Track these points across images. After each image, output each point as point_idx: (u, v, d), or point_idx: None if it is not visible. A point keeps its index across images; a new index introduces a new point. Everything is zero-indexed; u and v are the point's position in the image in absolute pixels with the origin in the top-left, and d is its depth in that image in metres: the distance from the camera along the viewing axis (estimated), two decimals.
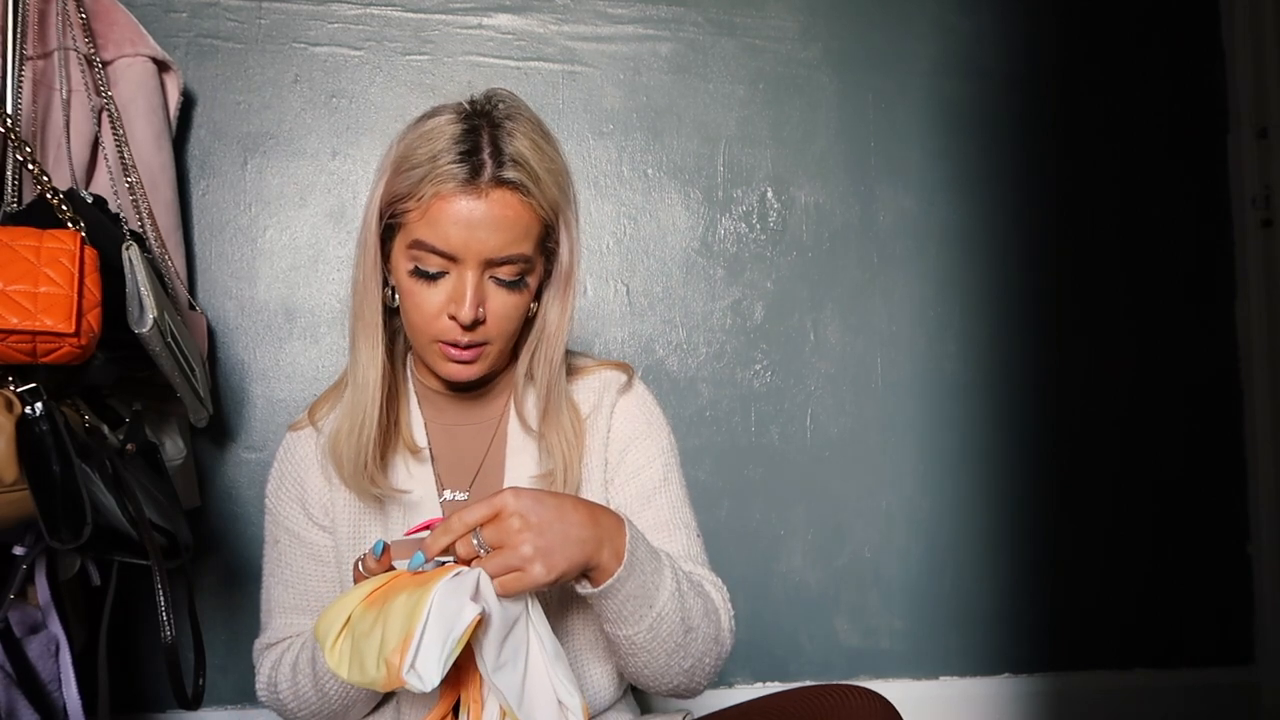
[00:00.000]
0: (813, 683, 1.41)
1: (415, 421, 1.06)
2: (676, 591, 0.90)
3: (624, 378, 1.11)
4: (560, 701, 0.78)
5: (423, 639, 0.74)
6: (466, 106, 0.97)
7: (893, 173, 1.99)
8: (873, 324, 1.97)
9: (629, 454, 1.07)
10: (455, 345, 0.97)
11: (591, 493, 1.06)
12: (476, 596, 0.77)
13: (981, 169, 2.02)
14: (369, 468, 1.01)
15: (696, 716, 1.08)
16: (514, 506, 0.81)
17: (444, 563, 0.83)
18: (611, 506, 1.04)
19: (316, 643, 0.93)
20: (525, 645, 0.80)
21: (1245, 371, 2.07)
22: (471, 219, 0.92)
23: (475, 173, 0.92)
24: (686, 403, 1.90)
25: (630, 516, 1.02)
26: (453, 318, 0.96)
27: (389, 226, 0.98)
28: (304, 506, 1.07)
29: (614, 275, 1.90)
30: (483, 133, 0.94)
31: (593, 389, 1.09)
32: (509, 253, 0.94)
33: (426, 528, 0.86)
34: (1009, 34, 2.04)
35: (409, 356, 1.10)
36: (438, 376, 1.06)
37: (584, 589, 0.87)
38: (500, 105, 0.97)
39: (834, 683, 1.00)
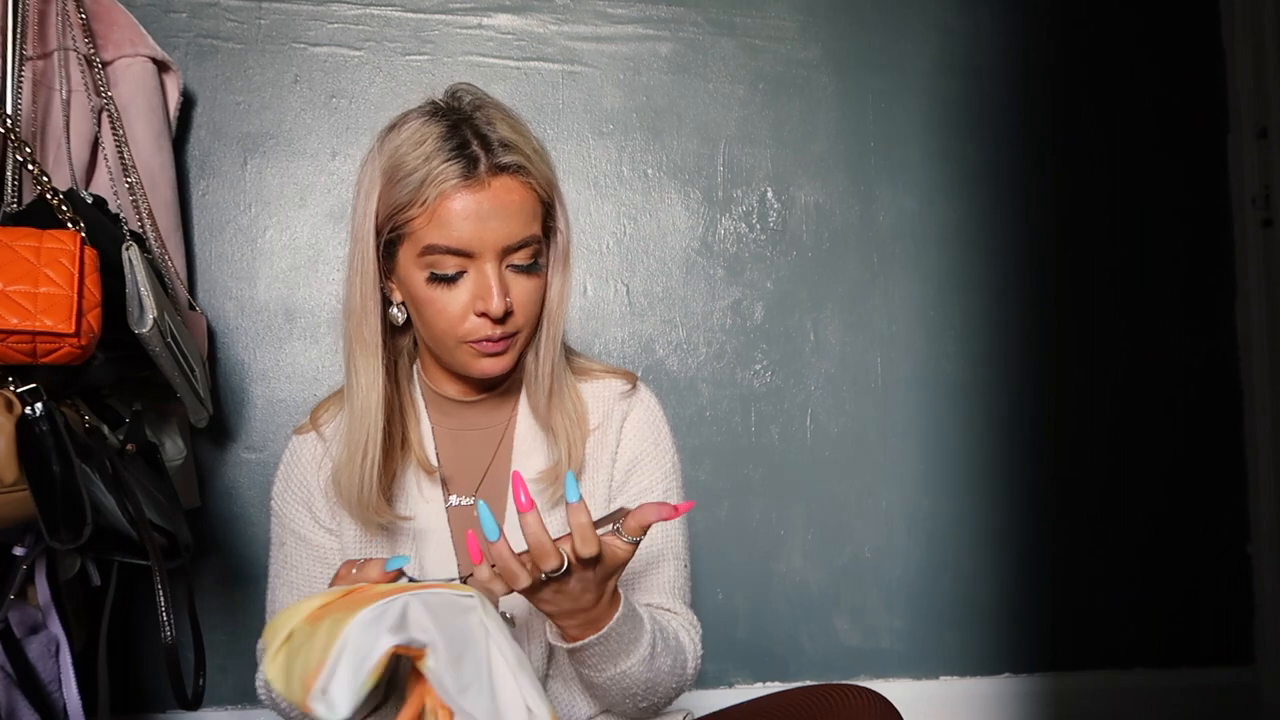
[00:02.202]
0: (813, 683, 1.41)
1: (425, 430, 1.05)
2: (649, 656, 0.93)
3: (630, 388, 1.09)
4: (529, 709, 0.77)
5: (338, 667, 0.73)
6: (440, 104, 0.97)
7: (893, 173, 1.99)
8: (873, 324, 1.97)
9: (634, 474, 1.06)
10: (488, 340, 0.96)
11: (594, 506, 1.05)
12: (401, 627, 0.75)
13: (981, 169, 2.02)
14: (373, 496, 1.00)
15: (697, 717, 1.07)
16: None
17: (450, 579, 0.83)
18: None
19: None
20: (487, 661, 0.78)
21: (1245, 372, 2.07)
22: (481, 211, 0.92)
23: (473, 165, 0.92)
24: (686, 403, 1.90)
25: None
26: (482, 314, 0.95)
27: (390, 241, 0.96)
28: (310, 509, 1.06)
29: (614, 275, 1.90)
30: (464, 127, 0.94)
31: (601, 397, 1.08)
32: (522, 236, 0.94)
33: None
34: (1008, 33, 2.04)
35: (415, 368, 1.09)
36: (458, 380, 1.05)
37: (553, 638, 0.91)
38: (467, 98, 0.98)
39: (834, 683, 1.00)
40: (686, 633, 1.03)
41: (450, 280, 0.94)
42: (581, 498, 0.82)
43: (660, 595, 1.05)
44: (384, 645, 0.73)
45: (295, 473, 1.08)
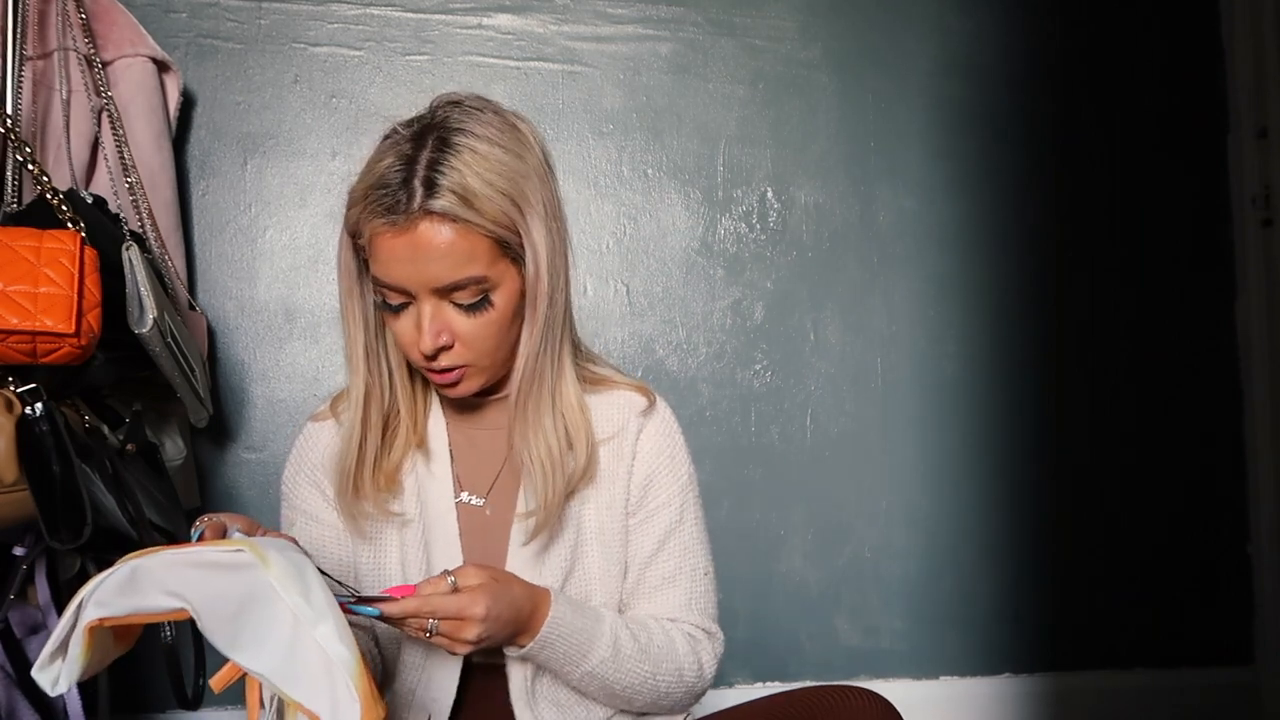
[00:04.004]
0: (813, 683, 1.41)
1: (435, 424, 1.05)
2: (612, 658, 0.96)
3: (649, 404, 1.08)
4: (332, 659, 0.73)
5: (70, 635, 0.71)
6: (422, 118, 0.95)
7: (893, 173, 1.99)
8: (873, 324, 1.97)
9: (650, 489, 1.06)
10: (431, 371, 0.96)
11: (611, 524, 1.04)
12: (126, 593, 0.71)
13: (981, 169, 2.02)
14: (351, 492, 1.00)
15: (697, 718, 1.07)
16: (480, 617, 0.86)
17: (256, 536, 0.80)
18: (630, 543, 1.05)
19: None
20: (274, 619, 0.73)
21: (1245, 371, 2.07)
22: (406, 254, 0.90)
23: (402, 205, 0.89)
24: (686, 403, 1.90)
25: (643, 566, 1.04)
26: None
27: (364, 258, 0.96)
28: (321, 491, 1.05)
29: (614, 275, 1.90)
30: (421, 156, 0.90)
31: (617, 405, 1.06)
32: (454, 279, 0.91)
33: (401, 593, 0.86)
34: (1008, 34, 2.04)
35: None
36: None
37: (509, 650, 0.95)
38: (454, 114, 0.94)
39: (834, 683, 1.00)
40: (687, 640, 1.02)
41: (396, 310, 0.94)
42: (382, 613, 0.84)
43: (674, 610, 1.04)
44: (86, 618, 0.71)
45: (308, 456, 1.07)
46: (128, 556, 0.74)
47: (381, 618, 0.84)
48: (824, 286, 1.96)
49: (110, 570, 0.73)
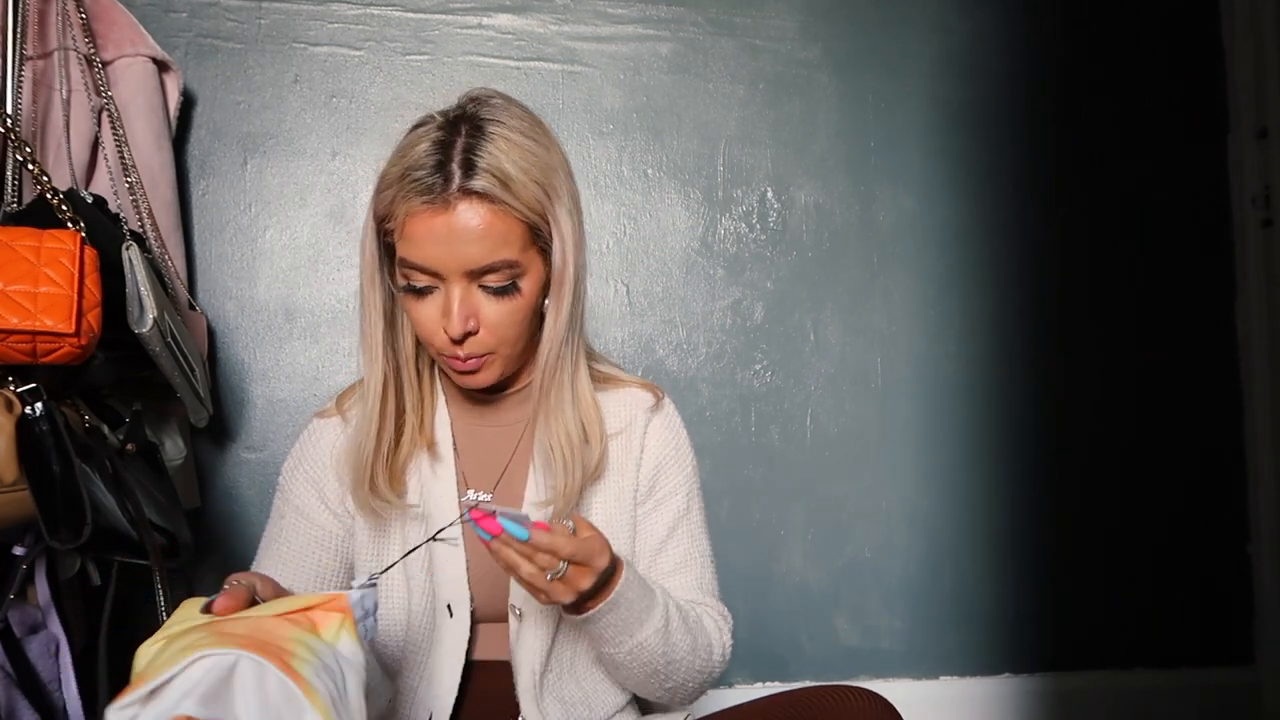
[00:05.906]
0: (813, 683, 1.41)
1: (441, 420, 1.05)
2: (664, 628, 0.96)
3: (656, 402, 1.10)
4: None
5: (158, 690, 0.67)
6: (453, 110, 0.96)
7: (893, 173, 1.99)
8: (873, 324, 1.97)
9: (659, 480, 1.08)
10: (455, 358, 0.96)
11: (619, 515, 1.05)
12: (214, 700, 0.68)
13: (981, 169, 2.02)
14: (369, 484, 1.00)
15: (698, 717, 1.08)
16: (600, 568, 0.87)
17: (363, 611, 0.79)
18: (638, 533, 1.06)
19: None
20: None
21: (1245, 371, 2.07)
22: (443, 234, 0.91)
23: (440, 186, 0.91)
24: (686, 403, 1.90)
25: (655, 552, 1.06)
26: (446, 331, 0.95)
27: (388, 243, 0.97)
28: (319, 490, 1.05)
29: (614, 275, 1.90)
30: (457, 141, 0.92)
31: (625, 403, 1.08)
32: (489, 261, 0.92)
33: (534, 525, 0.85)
34: (1009, 34, 2.04)
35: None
36: None
37: (569, 612, 0.93)
38: (485, 107, 0.96)
39: (834, 683, 1.01)
40: (713, 620, 1.05)
41: (420, 293, 0.95)
42: (531, 537, 0.84)
43: (688, 593, 1.06)
44: (182, 710, 0.67)
45: (310, 453, 1.07)
46: (232, 642, 0.70)
47: (528, 542, 0.84)
48: (824, 286, 1.96)
49: (215, 654, 0.69)
